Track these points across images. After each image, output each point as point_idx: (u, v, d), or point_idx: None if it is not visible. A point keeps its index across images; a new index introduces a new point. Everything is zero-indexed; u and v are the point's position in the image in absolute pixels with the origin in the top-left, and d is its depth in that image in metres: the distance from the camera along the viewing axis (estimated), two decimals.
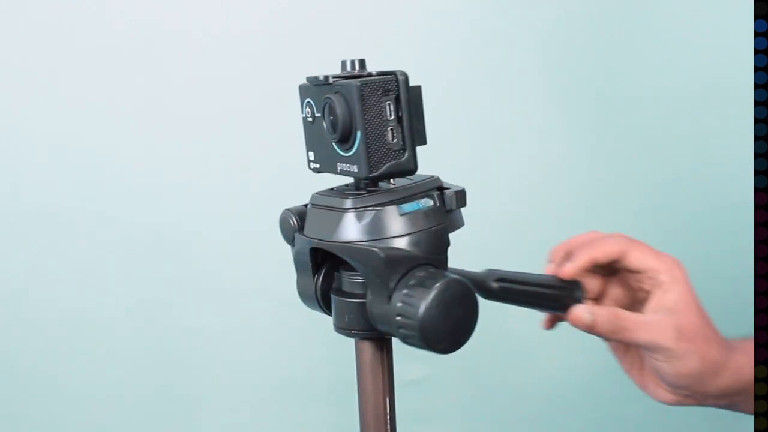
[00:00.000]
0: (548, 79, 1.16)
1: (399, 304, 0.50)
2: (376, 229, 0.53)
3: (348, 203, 0.54)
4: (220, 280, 1.13)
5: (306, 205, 0.59)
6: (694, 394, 0.68)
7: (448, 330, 0.50)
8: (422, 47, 1.14)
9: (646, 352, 0.66)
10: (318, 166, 0.59)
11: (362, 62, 0.54)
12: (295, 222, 0.58)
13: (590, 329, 0.63)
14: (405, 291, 0.50)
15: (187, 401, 1.20)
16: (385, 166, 0.53)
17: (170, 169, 1.14)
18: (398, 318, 0.50)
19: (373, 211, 0.53)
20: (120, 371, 1.17)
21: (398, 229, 0.53)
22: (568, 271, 0.65)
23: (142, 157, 1.14)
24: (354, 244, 0.53)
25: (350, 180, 0.58)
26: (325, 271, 0.59)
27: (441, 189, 0.58)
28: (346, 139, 0.53)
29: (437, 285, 0.50)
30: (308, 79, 0.55)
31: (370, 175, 0.53)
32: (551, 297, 0.65)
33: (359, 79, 0.51)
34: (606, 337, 0.66)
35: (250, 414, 1.21)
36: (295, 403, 1.20)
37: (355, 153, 0.53)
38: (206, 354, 1.18)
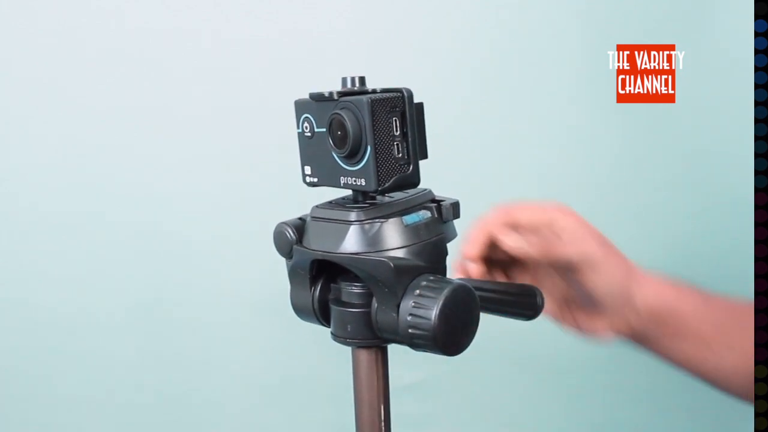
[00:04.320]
0: (539, 87, 1.15)
1: (410, 312, 0.52)
2: (382, 240, 0.54)
3: (353, 216, 0.55)
4: (218, 282, 1.13)
5: (300, 219, 0.59)
6: (624, 314, 0.71)
7: (457, 333, 0.52)
8: (408, 62, 1.13)
9: (574, 277, 0.69)
10: (316, 179, 0.59)
11: (362, 79, 0.55)
12: (293, 235, 0.58)
13: (525, 253, 0.67)
14: (414, 299, 0.52)
15: (187, 404, 1.20)
16: (392, 180, 0.54)
17: (168, 173, 1.14)
18: (410, 324, 0.52)
19: (379, 223, 0.54)
20: (118, 374, 1.17)
21: (403, 240, 0.55)
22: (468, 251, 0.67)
23: (140, 161, 1.13)
24: (361, 255, 0.54)
25: (346, 192, 0.59)
26: (322, 283, 0.60)
27: (435, 201, 0.60)
28: (354, 154, 0.53)
29: (446, 290, 0.51)
30: (311, 95, 0.55)
31: (379, 189, 0.53)
32: (511, 303, 0.66)
33: (368, 96, 0.52)
34: (538, 260, 0.69)
35: (247, 416, 1.21)
36: (293, 405, 1.20)
37: (363, 167, 0.53)
38: (205, 357, 1.17)
